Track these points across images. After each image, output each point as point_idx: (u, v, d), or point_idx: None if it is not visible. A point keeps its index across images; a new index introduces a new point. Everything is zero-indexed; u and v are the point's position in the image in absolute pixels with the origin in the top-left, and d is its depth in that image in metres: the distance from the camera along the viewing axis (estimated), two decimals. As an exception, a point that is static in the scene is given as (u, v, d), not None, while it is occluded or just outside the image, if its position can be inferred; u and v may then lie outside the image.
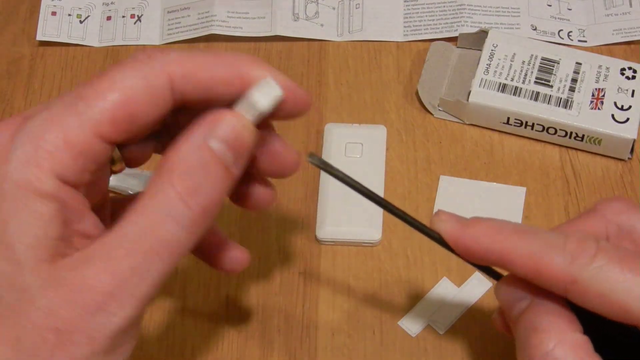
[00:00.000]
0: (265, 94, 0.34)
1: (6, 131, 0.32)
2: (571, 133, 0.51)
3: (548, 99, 0.52)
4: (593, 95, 0.52)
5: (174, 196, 0.31)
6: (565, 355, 0.34)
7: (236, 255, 0.40)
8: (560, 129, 0.51)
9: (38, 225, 0.31)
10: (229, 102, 0.34)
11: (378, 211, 0.50)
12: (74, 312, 0.30)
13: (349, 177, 0.36)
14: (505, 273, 0.37)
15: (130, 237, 0.31)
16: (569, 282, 0.34)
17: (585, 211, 0.38)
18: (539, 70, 0.52)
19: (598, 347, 0.34)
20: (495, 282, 0.38)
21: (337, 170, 0.36)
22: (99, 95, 0.31)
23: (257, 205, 0.39)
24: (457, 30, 0.56)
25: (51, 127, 0.31)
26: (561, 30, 0.57)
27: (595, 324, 0.35)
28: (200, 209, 0.31)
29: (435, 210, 0.50)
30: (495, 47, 0.53)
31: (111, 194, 0.39)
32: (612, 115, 0.51)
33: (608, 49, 0.56)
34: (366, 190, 0.37)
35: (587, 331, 0.35)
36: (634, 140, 0.51)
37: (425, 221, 0.38)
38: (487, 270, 0.37)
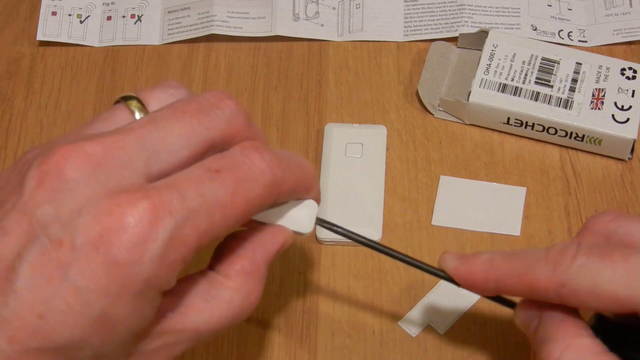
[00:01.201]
0: (310, 219, 0.38)
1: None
2: (571, 133, 0.51)
3: (548, 99, 0.52)
4: (593, 95, 0.52)
5: (232, 299, 0.36)
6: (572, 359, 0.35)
7: None
8: (560, 129, 0.51)
9: (151, 315, 0.33)
10: None
11: (378, 211, 0.50)
12: None
13: (351, 232, 0.40)
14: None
15: (198, 327, 0.35)
16: (558, 286, 0.35)
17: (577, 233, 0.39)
18: (539, 71, 0.52)
19: (618, 345, 0.35)
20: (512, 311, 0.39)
21: (337, 226, 0.39)
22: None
23: None
24: (457, 30, 0.56)
25: (190, 232, 0.32)
26: (561, 30, 0.57)
27: (609, 326, 0.36)
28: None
29: (435, 209, 0.50)
30: (495, 47, 0.53)
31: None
32: (612, 115, 0.51)
33: (608, 49, 0.56)
34: (372, 243, 0.40)
35: (605, 333, 0.36)
36: (634, 140, 0.51)
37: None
38: (502, 300, 0.39)
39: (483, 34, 0.54)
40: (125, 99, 0.35)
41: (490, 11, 0.57)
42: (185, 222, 0.31)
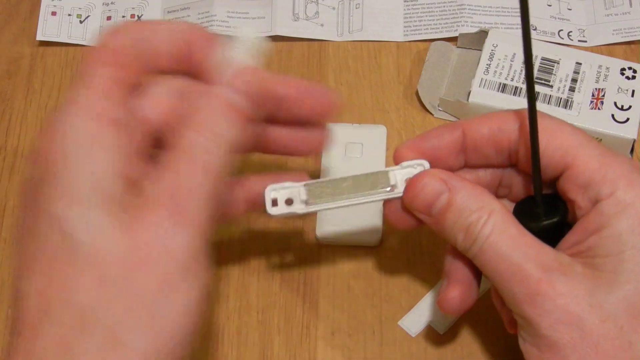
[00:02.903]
0: (248, 36, 0.38)
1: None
2: (571, 133, 0.51)
3: (548, 99, 0.52)
4: (593, 95, 0.52)
5: (203, 140, 0.35)
6: (500, 221, 0.38)
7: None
8: (560, 129, 0.51)
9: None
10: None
11: (378, 211, 0.50)
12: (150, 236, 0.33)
13: None
14: None
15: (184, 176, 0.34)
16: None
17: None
18: (539, 70, 0.52)
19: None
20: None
21: None
22: None
23: (303, 150, 0.43)
24: (457, 30, 0.56)
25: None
26: (561, 30, 0.57)
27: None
28: (227, 147, 0.36)
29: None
30: (495, 47, 0.53)
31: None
32: (612, 115, 0.51)
33: (608, 49, 0.56)
34: None
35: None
36: (634, 141, 0.51)
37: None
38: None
39: (483, 34, 0.54)
40: None
41: (490, 11, 0.57)
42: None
